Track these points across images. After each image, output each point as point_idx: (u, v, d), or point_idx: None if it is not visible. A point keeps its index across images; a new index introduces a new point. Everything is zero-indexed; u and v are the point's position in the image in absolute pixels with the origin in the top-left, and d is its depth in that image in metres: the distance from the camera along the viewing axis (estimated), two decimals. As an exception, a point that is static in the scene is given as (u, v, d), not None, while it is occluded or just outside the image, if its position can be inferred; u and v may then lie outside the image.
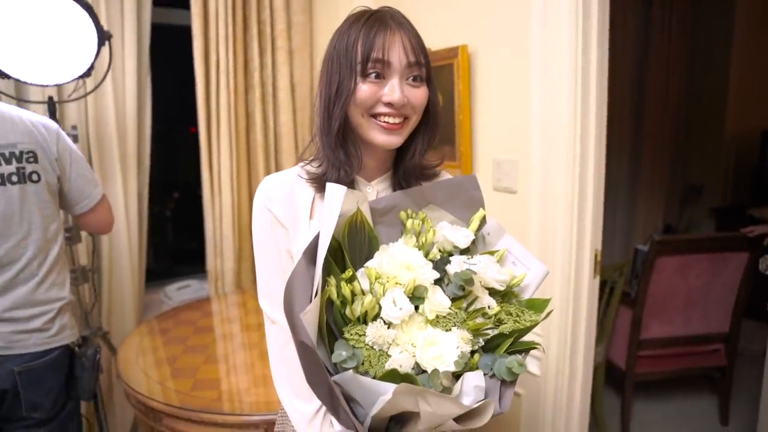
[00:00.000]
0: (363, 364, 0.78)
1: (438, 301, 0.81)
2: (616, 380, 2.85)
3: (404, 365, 0.78)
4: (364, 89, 0.93)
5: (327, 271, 0.84)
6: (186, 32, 2.55)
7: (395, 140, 0.97)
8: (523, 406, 1.92)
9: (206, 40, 2.53)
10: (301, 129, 2.89)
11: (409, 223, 0.92)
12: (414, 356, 0.79)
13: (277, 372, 1.00)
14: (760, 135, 3.92)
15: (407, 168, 1.05)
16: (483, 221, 0.97)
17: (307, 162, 1.06)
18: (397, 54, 0.93)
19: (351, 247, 0.89)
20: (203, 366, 1.77)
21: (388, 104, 0.93)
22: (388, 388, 0.73)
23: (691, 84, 4.09)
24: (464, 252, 0.92)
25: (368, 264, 0.87)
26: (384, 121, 0.95)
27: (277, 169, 2.85)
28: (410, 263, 0.84)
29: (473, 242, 0.93)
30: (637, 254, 2.97)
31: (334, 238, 0.84)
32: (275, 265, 1.01)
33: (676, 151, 4.11)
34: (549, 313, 0.90)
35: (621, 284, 2.62)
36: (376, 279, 0.83)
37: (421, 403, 0.74)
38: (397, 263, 0.84)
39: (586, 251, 1.79)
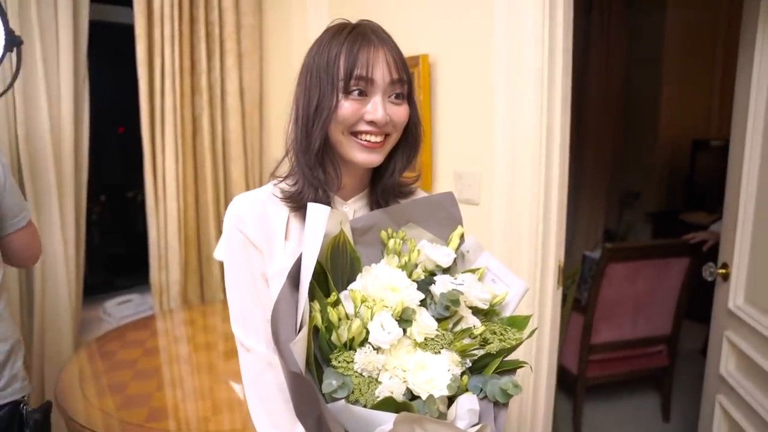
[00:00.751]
0: (353, 392, 0.74)
1: (425, 323, 0.79)
2: (567, 384, 2.91)
3: (395, 391, 0.74)
4: (347, 107, 0.89)
5: (311, 296, 0.79)
6: (123, 29, 2.39)
7: (376, 158, 0.94)
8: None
9: (150, 41, 2.38)
10: (250, 134, 2.78)
11: (391, 243, 0.89)
12: (405, 381, 0.75)
13: (252, 402, 0.94)
14: (691, 144, 4.13)
15: (385, 186, 1.02)
16: (462, 239, 0.94)
17: (280, 179, 1.01)
18: (381, 71, 0.90)
19: (333, 270, 0.85)
20: (157, 393, 1.65)
21: (371, 122, 0.90)
22: (387, 418, 0.70)
23: (627, 93, 4.26)
24: (446, 271, 0.89)
25: (352, 286, 0.83)
26: (365, 140, 0.92)
27: (226, 176, 2.73)
28: (395, 285, 0.81)
29: (454, 260, 0.90)
30: (585, 260, 3.05)
31: (317, 262, 0.79)
32: (249, 289, 0.95)
33: (614, 159, 4.27)
34: (533, 332, 0.89)
35: (573, 291, 2.68)
36: (362, 302, 0.79)
37: (418, 431, 0.71)
38: (382, 285, 0.81)
39: (551, 262, 1.80)
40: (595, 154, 4.12)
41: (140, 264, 2.86)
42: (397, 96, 0.93)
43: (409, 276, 0.84)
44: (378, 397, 0.74)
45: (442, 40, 1.92)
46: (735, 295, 1.81)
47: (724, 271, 1.86)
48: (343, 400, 0.73)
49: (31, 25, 2.06)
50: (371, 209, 1.02)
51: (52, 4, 2.12)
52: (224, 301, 2.63)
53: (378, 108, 0.90)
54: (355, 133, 0.92)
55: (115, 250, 3.18)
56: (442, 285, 0.83)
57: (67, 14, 2.14)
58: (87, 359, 1.90)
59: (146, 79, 2.39)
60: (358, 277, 0.85)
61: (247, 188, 2.77)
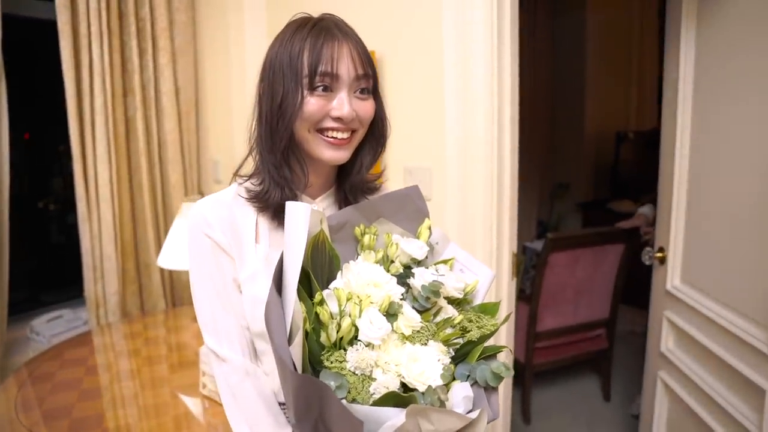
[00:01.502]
0: (350, 391, 0.73)
1: (411, 316, 0.78)
2: (515, 373, 2.99)
3: (391, 386, 0.74)
4: (312, 103, 0.87)
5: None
6: (24, 24, 2.22)
7: (343, 155, 0.92)
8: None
9: (76, 37, 2.23)
10: (187, 136, 2.66)
11: (366, 238, 0.88)
12: (399, 375, 0.75)
13: (232, 413, 0.90)
14: (614, 136, 4.36)
15: (353, 183, 1.00)
16: (430, 231, 0.94)
17: (245, 179, 0.97)
18: (346, 66, 0.87)
19: (313, 269, 0.83)
20: (111, 412, 1.54)
21: (337, 119, 0.88)
22: (393, 413, 0.69)
23: (553, 89, 4.43)
24: (419, 264, 0.89)
25: (334, 285, 0.81)
26: (331, 137, 0.89)
27: (163, 179, 2.60)
28: (377, 280, 0.80)
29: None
30: (526, 251, 3.15)
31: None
32: (220, 297, 0.91)
33: (544, 152, 4.43)
34: (508, 317, 0.92)
35: (518, 281, 2.74)
36: (348, 300, 0.78)
37: (423, 423, 0.71)
38: (365, 281, 0.80)
39: (505, 254, 1.83)
40: (526, 148, 4.25)
41: (66, 276, 2.68)
42: (363, 91, 0.90)
43: (387, 271, 0.84)
44: (373, 393, 0.73)
45: (389, 37, 1.91)
46: (672, 277, 1.92)
47: (661, 254, 1.96)
48: (343, 401, 0.71)
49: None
50: (339, 207, 1.00)
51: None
52: (166, 312, 2.50)
53: (344, 104, 0.87)
54: (321, 130, 0.89)
55: (32, 264, 2.97)
56: (421, 277, 0.82)
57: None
58: (21, 384, 1.74)
59: (72, 77, 2.23)
60: (338, 275, 0.83)
61: (186, 192, 2.66)
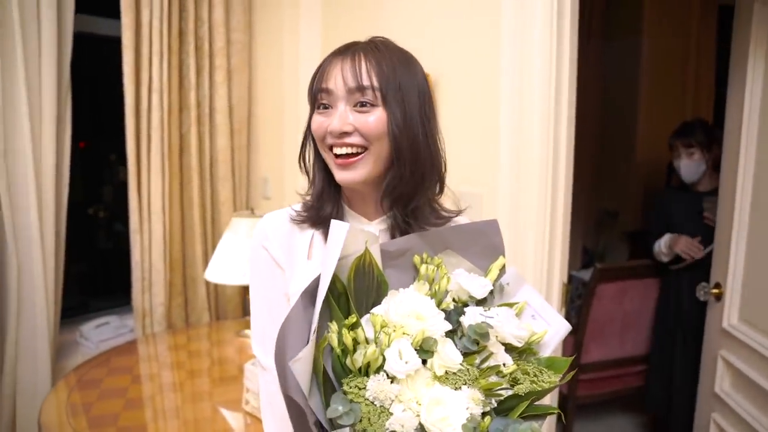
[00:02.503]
0: (361, 421, 0.70)
1: (448, 356, 0.73)
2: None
3: (406, 425, 0.69)
4: (314, 120, 0.90)
5: (329, 317, 0.76)
6: (88, 40, 2.31)
7: (351, 176, 0.88)
8: None
9: (138, 54, 2.31)
10: (239, 153, 2.71)
11: (423, 268, 0.83)
12: (418, 416, 0.70)
13: (267, 421, 0.94)
14: (667, 164, 4.24)
15: (403, 209, 0.93)
16: (502, 270, 0.88)
17: (303, 197, 1.00)
18: (334, 80, 0.87)
19: (357, 291, 0.80)
20: (153, 424, 1.56)
21: (330, 132, 0.87)
22: None
23: (604, 112, 4.35)
24: (480, 303, 0.83)
25: (374, 310, 0.78)
26: (336, 154, 0.88)
27: (213, 196, 2.66)
28: (420, 312, 0.76)
29: (491, 292, 0.84)
30: (572, 280, 3.07)
31: (339, 281, 0.77)
32: (270, 308, 0.95)
33: (593, 178, 4.34)
34: (572, 374, 0.82)
35: (564, 311, 2.68)
36: (381, 327, 0.75)
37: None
38: (406, 311, 0.76)
39: (555, 283, 1.79)
40: (575, 174, 4.18)
41: (113, 284, 2.75)
42: (363, 104, 0.86)
43: (438, 305, 0.79)
44: (387, 429, 0.69)
45: (445, 60, 1.91)
46: (729, 314, 1.84)
47: (717, 291, 1.88)
48: (348, 428, 0.69)
49: (13, 32, 1.97)
50: (392, 233, 0.95)
51: (34, 12, 2.03)
52: (210, 325, 2.53)
53: (335, 118, 0.86)
54: (330, 148, 0.89)
55: (82, 269, 3.06)
56: (471, 317, 0.77)
57: (51, 25, 2.06)
58: (71, 389, 1.78)
59: (133, 93, 2.31)
60: (384, 301, 0.79)
61: (235, 208, 2.70)
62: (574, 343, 2.65)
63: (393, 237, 0.95)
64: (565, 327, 0.87)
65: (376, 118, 0.86)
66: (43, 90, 2.08)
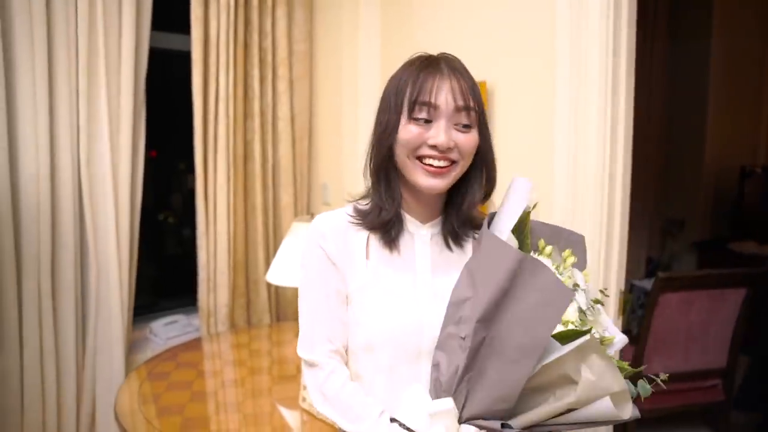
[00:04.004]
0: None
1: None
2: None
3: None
4: (410, 130, 0.93)
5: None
6: (170, 56, 2.45)
7: (438, 184, 0.95)
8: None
9: (206, 67, 2.44)
10: (300, 160, 2.81)
11: (548, 248, 0.94)
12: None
13: (326, 411, 0.98)
14: (739, 170, 4.05)
15: (462, 216, 1.02)
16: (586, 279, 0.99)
17: (356, 200, 1.05)
18: (445, 97, 0.92)
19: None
20: (215, 416, 1.65)
21: (433, 147, 0.92)
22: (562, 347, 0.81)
23: (670, 119, 4.20)
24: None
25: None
26: (428, 164, 0.94)
27: (275, 201, 2.76)
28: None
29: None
30: (634, 290, 2.99)
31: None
32: (321, 304, 1.00)
33: (657, 185, 4.19)
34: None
35: (624, 321, 2.61)
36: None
37: (584, 369, 0.80)
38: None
39: (612, 291, 1.76)
40: (638, 181, 4.05)
41: (181, 285, 2.89)
42: (465, 126, 0.94)
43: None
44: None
45: (500, 68, 1.92)
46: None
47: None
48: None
49: (98, 51, 2.14)
50: (444, 237, 1.04)
51: (116, 29, 2.19)
52: (270, 326, 2.63)
53: (441, 132, 0.92)
54: (420, 158, 0.94)
55: (151, 271, 3.24)
56: (581, 300, 0.92)
57: (130, 40, 2.21)
58: (142, 380, 1.91)
59: (201, 104, 2.44)
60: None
61: (296, 213, 2.80)
62: (634, 353, 2.57)
63: (444, 239, 1.03)
64: (623, 340, 0.98)
65: (473, 139, 0.95)
66: (121, 102, 2.24)
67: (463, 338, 0.86)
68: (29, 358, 2.09)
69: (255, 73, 2.58)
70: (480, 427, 0.87)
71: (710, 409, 2.79)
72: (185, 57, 2.48)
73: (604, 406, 0.83)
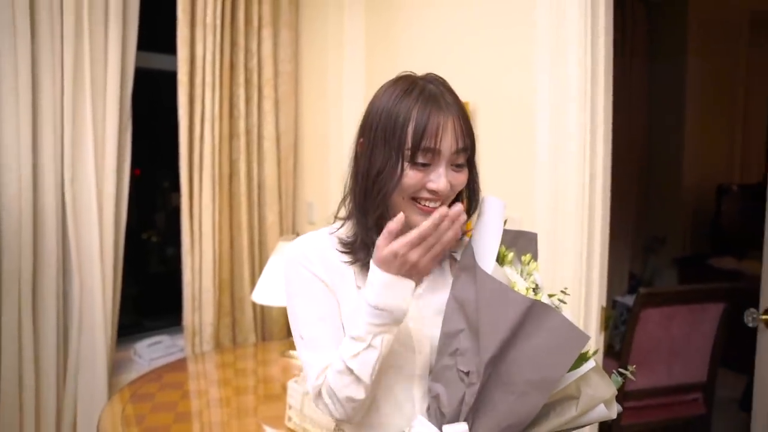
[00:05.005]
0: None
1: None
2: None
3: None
4: (411, 176, 0.91)
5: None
6: (152, 74, 2.46)
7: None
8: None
9: (192, 87, 2.46)
10: (285, 179, 2.83)
11: (509, 256, 0.97)
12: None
13: (330, 385, 0.90)
14: (716, 188, 4.14)
15: None
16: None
17: (337, 227, 1.02)
18: (449, 142, 0.90)
19: None
20: (201, 436, 1.64)
21: (432, 191, 0.91)
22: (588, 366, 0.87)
23: (650, 138, 4.29)
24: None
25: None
26: (424, 205, 0.93)
27: (260, 220, 2.77)
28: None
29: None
30: (616, 306, 3.02)
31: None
32: (317, 311, 0.96)
33: (639, 203, 4.26)
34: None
35: (606, 337, 2.64)
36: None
37: (584, 386, 0.86)
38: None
39: (594, 307, 1.79)
40: (619, 198, 4.11)
41: (165, 305, 2.87)
42: (459, 166, 0.93)
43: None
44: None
45: (482, 87, 1.97)
46: (781, 342, 1.79)
47: (767, 317, 1.83)
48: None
49: (84, 71, 2.15)
50: None
51: (102, 49, 2.20)
52: (256, 345, 2.62)
53: (441, 178, 0.90)
54: (415, 198, 0.93)
55: (136, 291, 3.22)
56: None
57: (115, 60, 2.22)
58: (125, 402, 1.89)
59: (187, 123, 2.45)
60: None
61: (281, 232, 2.80)
62: (617, 368, 2.60)
63: None
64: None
65: (465, 176, 0.95)
66: (107, 122, 2.24)
67: (466, 373, 0.87)
68: (7, 378, 2.06)
69: (241, 93, 2.60)
70: None
71: (692, 422, 2.81)
72: (168, 75, 2.50)
73: (599, 411, 0.87)
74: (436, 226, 0.83)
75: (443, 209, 0.83)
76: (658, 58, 4.22)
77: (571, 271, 1.74)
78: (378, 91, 0.98)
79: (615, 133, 1.82)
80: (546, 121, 1.75)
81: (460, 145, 0.91)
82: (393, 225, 0.84)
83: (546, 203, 1.78)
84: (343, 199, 1.02)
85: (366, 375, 0.87)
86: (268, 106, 2.69)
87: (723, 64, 4.20)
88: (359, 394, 0.88)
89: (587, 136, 1.70)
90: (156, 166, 3.09)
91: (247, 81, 2.64)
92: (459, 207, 0.83)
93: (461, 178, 0.94)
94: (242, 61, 2.60)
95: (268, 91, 2.68)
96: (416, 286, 0.88)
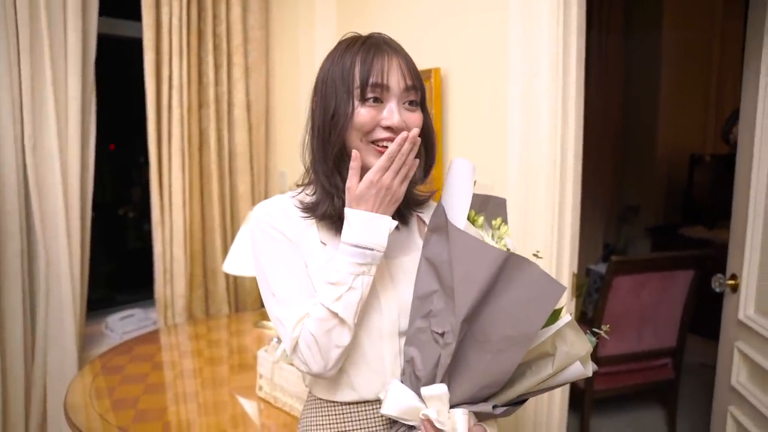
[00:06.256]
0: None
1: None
2: (574, 398, 2.89)
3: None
4: (363, 113, 0.92)
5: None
6: (116, 43, 2.38)
7: None
8: (503, 429, 1.89)
9: (158, 54, 2.38)
10: (257, 148, 2.77)
11: (480, 220, 0.97)
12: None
13: (319, 349, 0.91)
14: (689, 158, 4.19)
15: (404, 196, 0.98)
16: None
17: (299, 191, 1.03)
18: (396, 77, 0.93)
19: None
20: (172, 407, 1.62)
21: (387, 128, 0.92)
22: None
23: (625, 109, 4.31)
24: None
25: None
26: (383, 146, 0.93)
27: (232, 189, 2.72)
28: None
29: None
30: (590, 274, 3.06)
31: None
32: (286, 266, 0.96)
33: (613, 173, 4.30)
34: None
35: (579, 305, 2.68)
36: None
37: (559, 342, 0.86)
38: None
39: (565, 274, 1.80)
40: (594, 169, 4.15)
41: (139, 279, 2.83)
42: (411, 103, 0.95)
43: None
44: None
45: (454, 55, 1.94)
46: (745, 306, 1.82)
47: (733, 282, 1.87)
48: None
49: (41, 35, 2.06)
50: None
51: (61, 16, 2.11)
52: (229, 316, 2.60)
53: (394, 113, 0.92)
54: (374, 141, 0.94)
55: (111, 266, 3.17)
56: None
57: (76, 27, 2.13)
58: (95, 374, 1.86)
59: (153, 91, 2.38)
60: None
61: (254, 202, 2.76)
62: (590, 329, 2.64)
63: None
64: None
65: (419, 117, 0.97)
66: (69, 90, 2.16)
67: (441, 334, 0.86)
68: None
69: (209, 60, 2.53)
70: (472, 411, 0.88)
71: (661, 386, 2.88)
72: (140, 44, 2.41)
73: (575, 369, 0.87)
74: (400, 146, 0.87)
75: (403, 133, 0.87)
76: (634, 31, 4.22)
77: (543, 238, 1.74)
78: (326, 56, 1.00)
79: (590, 106, 1.81)
80: (518, 89, 1.73)
81: (409, 83, 0.94)
82: (354, 163, 0.89)
83: (518, 171, 1.77)
84: (307, 170, 1.02)
85: (350, 317, 0.89)
86: (238, 73, 2.62)
87: (697, 36, 4.21)
88: (344, 337, 0.90)
89: (559, 103, 1.68)
90: (132, 141, 3.02)
91: (216, 47, 2.57)
92: (415, 130, 0.88)
93: (415, 118, 0.95)
94: (210, 27, 2.52)
95: (237, 58, 2.61)
96: (392, 219, 0.91)
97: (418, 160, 0.92)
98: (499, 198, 1.05)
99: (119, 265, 3.23)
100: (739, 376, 1.84)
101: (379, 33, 0.99)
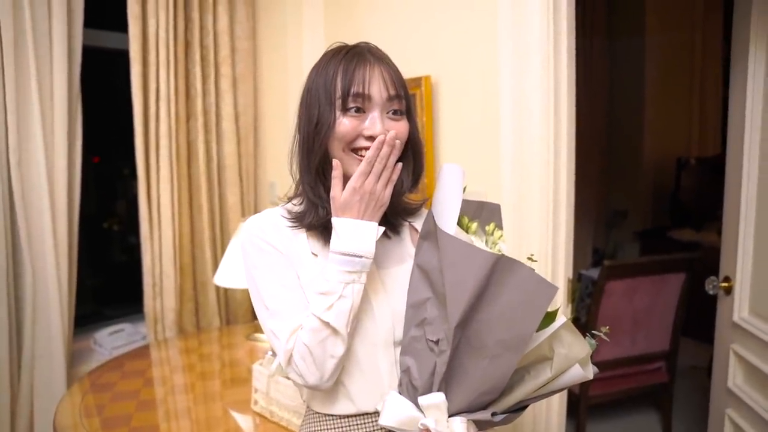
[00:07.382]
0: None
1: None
2: (569, 404, 2.88)
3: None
4: (345, 123, 0.91)
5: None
6: (102, 55, 2.36)
7: None
8: (501, 439, 1.88)
9: (145, 66, 2.36)
10: (246, 160, 2.75)
11: (473, 226, 0.96)
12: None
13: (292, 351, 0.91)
14: (675, 162, 4.23)
15: (393, 205, 0.98)
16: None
17: (287, 201, 1.04)
18: (378, 87, 0.92)
19: None
20: (164, 424, 1.59)
21: (369, 138, 0.92)
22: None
23: (611, 114, 4.35)
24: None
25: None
26: (363, 154, 0.92)
27: (221, 201, 2.70)
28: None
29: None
30: (582, 279, 3.06)
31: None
32: (278, 279, 0.95)
33: (600, 179, 4.33)
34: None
35: (572, 310, 2.67)
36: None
37: (557, 345, 0.84)
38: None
39: (560, 280, 1.80)
40: (582, 174, 4.16)
41: (127, 293, 2.79)
42: (395, 112, 0.95)
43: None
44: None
45: (444, 62, 1.93)
46: (739, 308, 1.83)
47: (726, 284, 1.87)
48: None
49: (26, 46, 2.03)
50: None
51: (46, 28, 2.08)
52: (220, 329, 2.56)
53: (376, 123, 0.92)
54: (356, 150, 0.93)
55: (98, 280, 3.12)
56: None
57: (61, 39, 2.10)
58: (85, 392, 1.82)
59: (141, 103, 2.35)
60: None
61: (243, 213, 2.74)
62: (589, 332, 2.64)
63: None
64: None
65: (405, 126, 0.96)
66: (55, 102, 2.13)
67: (436, 342, 0.86)
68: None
69: (197, 71, 2.51)
70: (471, 419, 0.87)
71: (656, 390, 2.89)
72: (126, 57, 2.39)
73: (574, 372, 0.86)
74: (378, 149, 0.87)
75: (380, 137, 0.87)
76: (618, 34, 4.27)
77: (537, 244, 1.73)
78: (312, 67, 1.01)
79: (577, 111, 1.82)
80: (509, 96, 1.73)
81: (392, 92, 0.93)
82: (336, 172, 0.90)
83: (511, 177, 1.76)
84: (297, 183, 1.02)
85: (342, 326, 0.88)
86: (225, 84, 2.61)
87: (680, 39, 4.27)
88: (338, 347, 0.89)
89: (551, 110, 1.68)
90: (116, 154, 2.99)
91: (203, 59, 2.55)
92: (392, 132, 0.88)
93: (399, 128, 0.94)
94: (197, 38, 2.50)
95: (225, 69, 2.60)
96: (378, 225, 0.91)
97: (400, 164, 0.91)
98: (493, 204, 1.04)
99: (106, 279, 3.18)
100: (735, 378, 1.84)
101: (365, 42, 0.99)
